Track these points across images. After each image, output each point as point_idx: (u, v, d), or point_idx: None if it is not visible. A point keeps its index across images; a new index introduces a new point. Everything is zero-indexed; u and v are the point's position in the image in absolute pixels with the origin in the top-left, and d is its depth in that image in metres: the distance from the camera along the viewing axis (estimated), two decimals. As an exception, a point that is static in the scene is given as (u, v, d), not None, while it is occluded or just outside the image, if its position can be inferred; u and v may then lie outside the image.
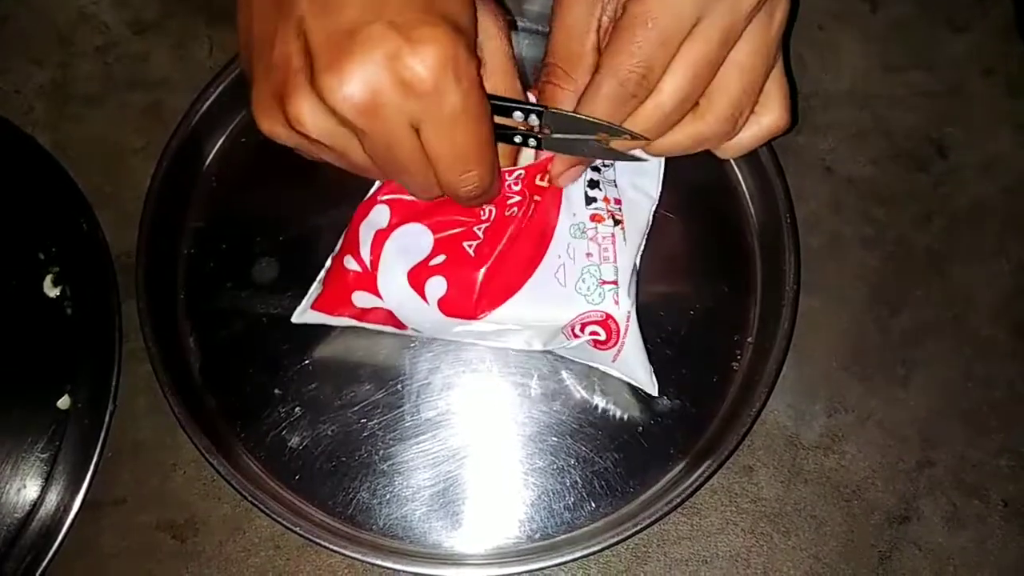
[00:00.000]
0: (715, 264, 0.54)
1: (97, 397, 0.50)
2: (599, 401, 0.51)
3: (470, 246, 0.46)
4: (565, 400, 0.51)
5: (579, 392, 0.51)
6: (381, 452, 0.50)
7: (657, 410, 0.51)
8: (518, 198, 0.46)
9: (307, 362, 0.51)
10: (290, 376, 0.51)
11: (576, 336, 0.47)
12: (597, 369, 0.50)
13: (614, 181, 0.49)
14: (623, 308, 0.46)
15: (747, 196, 0.55)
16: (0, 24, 0.59)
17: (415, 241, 0.46)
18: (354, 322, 0.49)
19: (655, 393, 0.49)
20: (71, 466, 0.49)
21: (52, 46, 0.58)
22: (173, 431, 0.49)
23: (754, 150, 0.52)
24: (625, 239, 0.47)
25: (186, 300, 0.53)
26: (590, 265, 0.46)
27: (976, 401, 0.53)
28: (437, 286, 0.46)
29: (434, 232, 0.46)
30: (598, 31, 0.43)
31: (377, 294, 0.47)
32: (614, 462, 0.50)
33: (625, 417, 0.51)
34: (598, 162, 0.48)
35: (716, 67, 0.42)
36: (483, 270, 0.45)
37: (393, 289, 0.46)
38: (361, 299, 0.47)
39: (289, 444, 0.50)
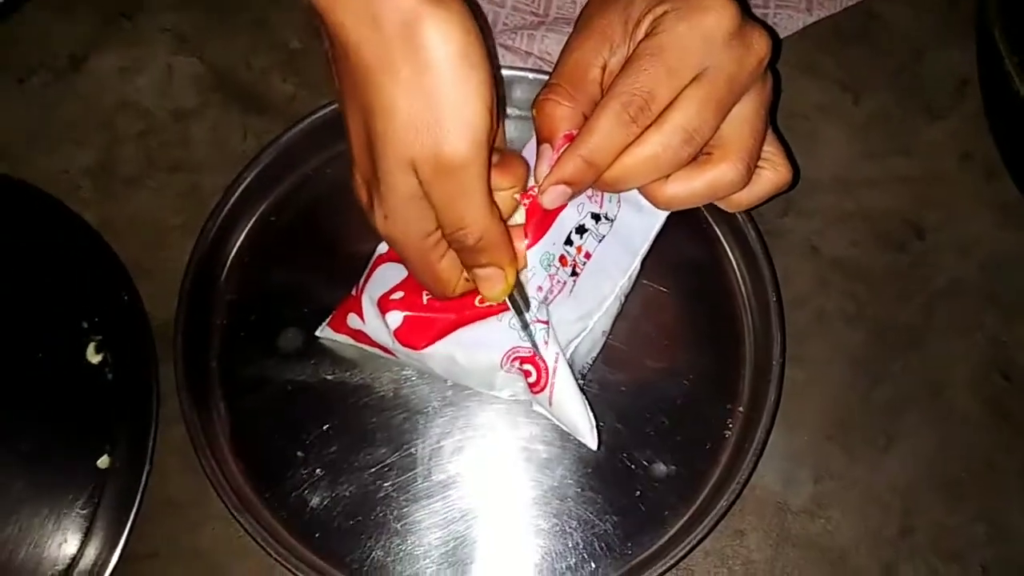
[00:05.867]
0: (708, 338, 0.57)
1: (135, 457, 0.53)
2: (601, 466, 0.54)
3: (427, 295, 0.50)
4: (568, 464, 0.54)
5: (582, 457, 0.54)
6: (395, 512, 0.53)
7: (655, 475, 0.54)
8: None
9: (327, 427, 0.54)
10: (312, 440, 0.54)
11: (516, 372, 0.49)
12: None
13: (603, 237, 0.50)
14: (551, 349, 0.47)
15: (738, 275, 0.58)
16: (50, 110, 0.63)
17: (393, 274, 0.52)
18: (354, 342, 0.54)
19: (594, 447, 0.49)
20: (109, 522, 0.52)
21: (97, 130, 0.62)
22: (204, 490, 0.52)
23: (743, 233, 0.57)
24: (572, 292, 0.49)
25: (218, 368, 0.56)
26: (533, 300, 0.48)
27: (954, 470, 0.55)
28: (394, 319, 0.50)
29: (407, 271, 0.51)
30: (603, 69, 0.46)
31: (361, 316, 0.52)
32: (613, 524, 0.53)
33: (624, 481, 0.53)
34: (599, 210, 0.49)
35: (720, 113, 0.44)
36: (435, 319, 0.50)
37: (370, 313, 0.52)
38: (353, 321, 0.53)
39: (310, 504, 0.53)
